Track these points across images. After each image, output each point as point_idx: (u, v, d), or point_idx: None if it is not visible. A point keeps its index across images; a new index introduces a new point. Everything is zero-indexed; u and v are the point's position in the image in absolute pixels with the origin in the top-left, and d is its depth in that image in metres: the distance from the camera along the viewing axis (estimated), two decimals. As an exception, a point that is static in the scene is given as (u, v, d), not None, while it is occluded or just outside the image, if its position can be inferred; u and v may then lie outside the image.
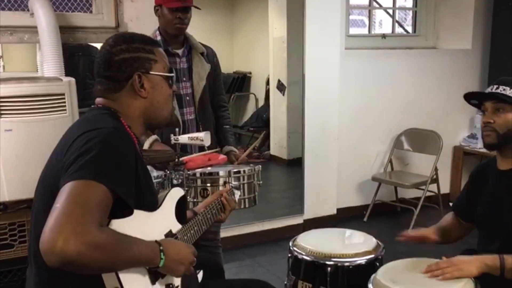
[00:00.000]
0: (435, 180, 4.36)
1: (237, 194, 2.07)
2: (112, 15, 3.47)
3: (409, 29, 5.28)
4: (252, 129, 7.37)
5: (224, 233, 3.23)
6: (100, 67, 1.49)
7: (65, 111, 2.86)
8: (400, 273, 1.79)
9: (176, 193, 1.59)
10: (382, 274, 1.78)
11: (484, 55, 4.91)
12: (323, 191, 4.29)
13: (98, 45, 3.85)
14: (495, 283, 1.75)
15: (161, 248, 1.33)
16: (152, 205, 1.46)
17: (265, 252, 3.81)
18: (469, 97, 1.98)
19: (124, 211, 1.30)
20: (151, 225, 1.40)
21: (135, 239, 1.27)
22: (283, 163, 6.56)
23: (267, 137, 6.95)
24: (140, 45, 1.50)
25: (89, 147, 1.28)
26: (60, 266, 1.13)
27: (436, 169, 4.33)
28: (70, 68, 3.22)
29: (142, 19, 3.43)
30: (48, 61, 3.02)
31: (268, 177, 6.15)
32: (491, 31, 4.83)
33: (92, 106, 1.53)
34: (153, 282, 1.36)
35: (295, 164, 5.58)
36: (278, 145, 6.76)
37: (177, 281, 1.46)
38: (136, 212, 1.34)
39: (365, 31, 5.26)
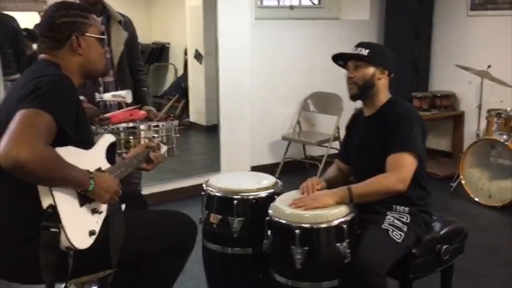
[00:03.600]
0: (337, 138, 4.85)
1: (164, 148, 2.37)
2: (30, -16, 3.60)
3: (315, 1, 5.71)
4: (171, 98, 7.57)
5: (145, 190, 3.51)
6: (43, 29, 1.79)
7: (-12, 77, 3.02)
8: (294, 199, 2.20)
9: (108, 138, 1.90)
10: (279, 200, 2.19)
11: (379, 25, 5.46)
12: (238, 150, 4.65)
13: (15, 14, 3.97)
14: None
15: (91, 176, 1.65)
16: (89, 141, 1.78)
17: (185, 206, 4.12)
18: (336, 59, 2.39)
19: (63, 143, 1.61)
20: (84, 160, 1.69)
21: (72, 165, 1.60)
22: (202, 129, 6.85)
23: (186, 106, 7.22)
24: (77, 12, 1.82)
25: (40, 86, 1.60)
26: (12, 169, 1.46)
27: (338, 128, 4.81)
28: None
29: (61, -11, 3.57)
30: (-31, 29, 3.13)
31: (188, 142, 6.45)
32: (385, 3, 5.37)
33: (38, 61, 1.82)
34: (81, 205, 1.67)
35: (214, 130, 5.90)
36: (197, 113, 7.04)
37: (102, 208, 1.76)
38: (73, 148, 1.65)
39: (275, 2, 5.62)
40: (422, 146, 2.24)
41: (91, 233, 1.67)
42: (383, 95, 2.32)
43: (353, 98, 2.33)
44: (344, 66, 2.36)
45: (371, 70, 2.25)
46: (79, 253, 1.63)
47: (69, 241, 1.58)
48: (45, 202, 1.56)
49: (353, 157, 2.44)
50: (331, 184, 2.48)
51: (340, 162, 2.58)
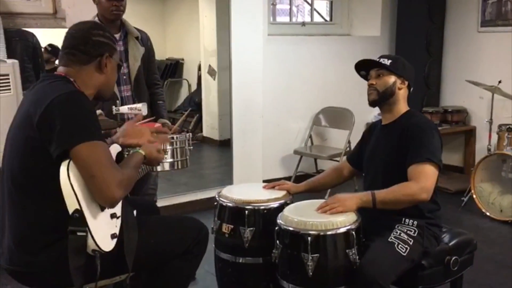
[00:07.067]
0: (348, 152, 4.89)
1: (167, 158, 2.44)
2: (49, 1, 3.70)
3: (327, 17, 5.80)
4: (184, 112, 7.66)
5: (160, 202, 3.58)
6: (77, 41, 1.86)
7: (9, 91, 3.12)
8: (302, 209, 2.25)
9: (116, 148, 1.98)
10: (288, 210, 2.24)
11: (391, 41, 5.52)
12: (250, 164, 4.70)
13: (34, 31, 4.10)
14: (370, 215, 2.25)
15: (139, 150, 1.92)
16: None
17: (198, 218, 4.18)
18: (359, 69, 2.46)
19: None
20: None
21: (127, 161, 1.86)
22: (215, 144, 6.94)
23: (199, 120, 7.32)
24: (110, 36, 1.94)
25: (71, 115, 1.69)
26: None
27: (349, 142, 4.85)
28: (8, 52, 3.46)
29: (79, 6, 3.67)
30: (-9, 44, 3.24)
31: (201, 156, 6.53)
32: (396, 19, 5.44)
33: (48, 74, 1.90)
34: (102, 209, 1.75)
35: (226, 144, 5.98)
36: (210, 127, 7.13)
37: (118, 212, 1.85)
38: None
39: (287, 18, 5.72)
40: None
41: (113, 236, 1.75)
42: (402, 105, 2.38)
43: (372, 104, 2.38)
44: (365, 76, 2.43)
45: (392, 78, 2.33)
46: (100, 257, 1.70)
47: (96, 244, 1.65)
48: (71, 207, 1.64)
49: (366, 161, 2.48)
50: (314, 186, 2.63)
51: (347, 163, 2.65)
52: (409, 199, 2.17)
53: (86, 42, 1.86)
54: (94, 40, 1.87)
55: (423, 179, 2.15)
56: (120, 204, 1.85)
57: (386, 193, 2.18)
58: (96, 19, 2.91)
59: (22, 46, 4.15)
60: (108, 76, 1.93)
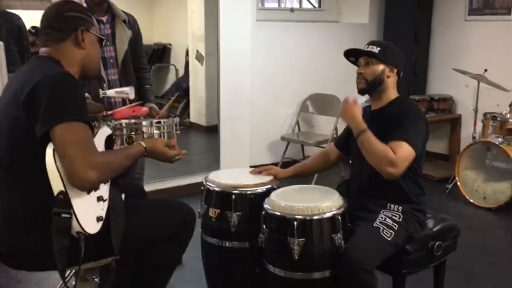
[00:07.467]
0: (335, 139, 4.89)
1: None
2: (35, -17, 3.67)
3: (315, 3, 5.79)
4: (172, 98, 7.64)
5: (146, 187, 3.55)
6: (50, 20, 1.86)
7: (-6, 73, 3.09)
8: (289, 194, 2.27)
9: (106, 130, 1.98)
10: (275, 195, 2.25)
11: (379, 29, 5.54)
12: (237, 150, 4.71)
13: (20, 12, 4.04)
14: (356, 201, 2.27)
15: (140, 142, 1.95)
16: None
17: (186, 203, 4.19)
18: (348, 56, 2.46)
19: None
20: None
21: (122, 149, 1.93)
22: (202, 129, 6.92)
23: (186, 106, 7.30)
24: (83, 10, 1.93)
25: (55, 95, 1.67)
26: (89, 189, 1.71)
27: (336, 129, 4.87)
28: (-8, 34, 3.43)
29: (65, -12, 3.64)
30: (-24, 26, 3.20)
31: (188, 142, 6.51)
32: (384, 7, 5.45)
33: (37, 56, 1.88)
34: (88, 192, 1.74)
35: (214, 130, 5.97)
36: (197, 113, 7.11)
37: (106, 196, 1.84)
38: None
39: (275, 4, 5.70)
40: (422, 144, 2.28)
41: (99, 219, 1.75)
42: (392, 92, 2.39)
43: (361, 92, 2.39)
44: (355, 62, 2.43)
45: (381, 67, 2.32)
46: (85, 239, 1.69)
47: (80, 226, 1.65)
48: (56, 189, 1.63)
49: (354, 147, 2.48)
50: (301, 171, 2.68)
51: (334, 148, 2.65)
52: (378, 160, 2.15)
53: (59, 19, 1.87)
54: (67, 16, 1.87)
55: (399, 153, 2.14)
56: (107, 187, 1.85)
57: (372, 141, 2.18)
58: (83, 1, 2.87)
59: (8, 29, 4.10)
60: (89, 51, 1.92)
